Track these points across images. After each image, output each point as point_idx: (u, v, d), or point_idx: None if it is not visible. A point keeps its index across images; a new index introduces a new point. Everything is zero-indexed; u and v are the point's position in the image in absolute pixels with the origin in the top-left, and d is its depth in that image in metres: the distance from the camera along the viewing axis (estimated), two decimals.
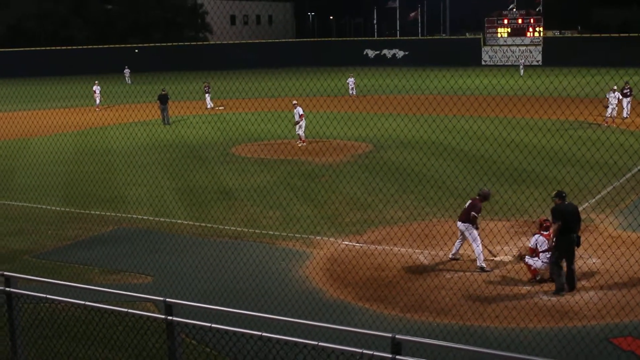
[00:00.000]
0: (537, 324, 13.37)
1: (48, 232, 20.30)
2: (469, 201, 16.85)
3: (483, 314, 13.79)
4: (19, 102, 48.65)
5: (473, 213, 16.43)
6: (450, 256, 17.10)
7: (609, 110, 38.24)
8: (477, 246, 16.37)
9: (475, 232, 16.45)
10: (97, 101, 52.05)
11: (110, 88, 61.08)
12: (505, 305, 14.27)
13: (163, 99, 42.96)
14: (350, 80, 58.12)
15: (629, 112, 41.10)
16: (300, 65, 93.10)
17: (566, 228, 14.74)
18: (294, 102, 34.50)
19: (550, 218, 15.24)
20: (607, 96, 38.47)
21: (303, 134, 34.32)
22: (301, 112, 33.92)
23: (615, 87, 39.07)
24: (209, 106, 50.51)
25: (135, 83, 72.31)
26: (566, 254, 14.83)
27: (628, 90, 40.50)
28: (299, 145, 34.09)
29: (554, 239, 14.91)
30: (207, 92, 50.44)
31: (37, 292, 8.69)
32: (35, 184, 26.57)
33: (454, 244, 17.16)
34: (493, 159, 27.89)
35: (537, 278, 15.45)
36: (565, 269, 14.95)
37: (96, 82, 52.81)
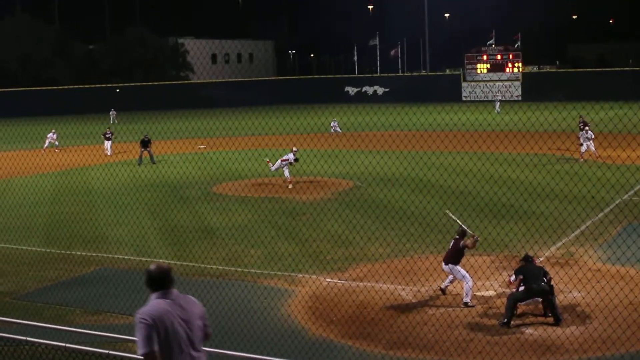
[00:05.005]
0: (520, 359, 13.41)
1: (29, 274, 20.17)
2: (452, 242, 16.93)
3: (466, 350, 13.83)
4: None
5: (467, 242, 16.51)
6: (442, 286, 17.12)
7: (584, 146, 38.05)
8: (467, 283, 16.41)
9: (462, 270, 16.50)
10: (56, 143, 50.28)
11: (91, 128, 61.13)
12: (488, 340, 14.31)
13: (145, 144, 42.58)
14: (334, 124, 57.94)
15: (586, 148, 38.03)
16: (282, 103, 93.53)
17: (527, 282, 15.09)
18: (294, 149, 33.67)
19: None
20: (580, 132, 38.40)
21: (289, 175, 33.55)
22: (287, 157, 33.26)
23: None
24: (108, 152, 47.99)
25: (121, 123, 72.11)
26: (526, 298, 15.19)
27: (582, 125, 38.53)
28: (289, 187, 33.16)
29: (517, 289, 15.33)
30: (107, 139, 48.15)
31: (18, 335, 8.67)
32: (15, 225, 26.43)
33: (445, 279, 17.23)
34: (473, 194, 28.07)
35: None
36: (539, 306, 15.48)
37: (53, 130, 50.44)
